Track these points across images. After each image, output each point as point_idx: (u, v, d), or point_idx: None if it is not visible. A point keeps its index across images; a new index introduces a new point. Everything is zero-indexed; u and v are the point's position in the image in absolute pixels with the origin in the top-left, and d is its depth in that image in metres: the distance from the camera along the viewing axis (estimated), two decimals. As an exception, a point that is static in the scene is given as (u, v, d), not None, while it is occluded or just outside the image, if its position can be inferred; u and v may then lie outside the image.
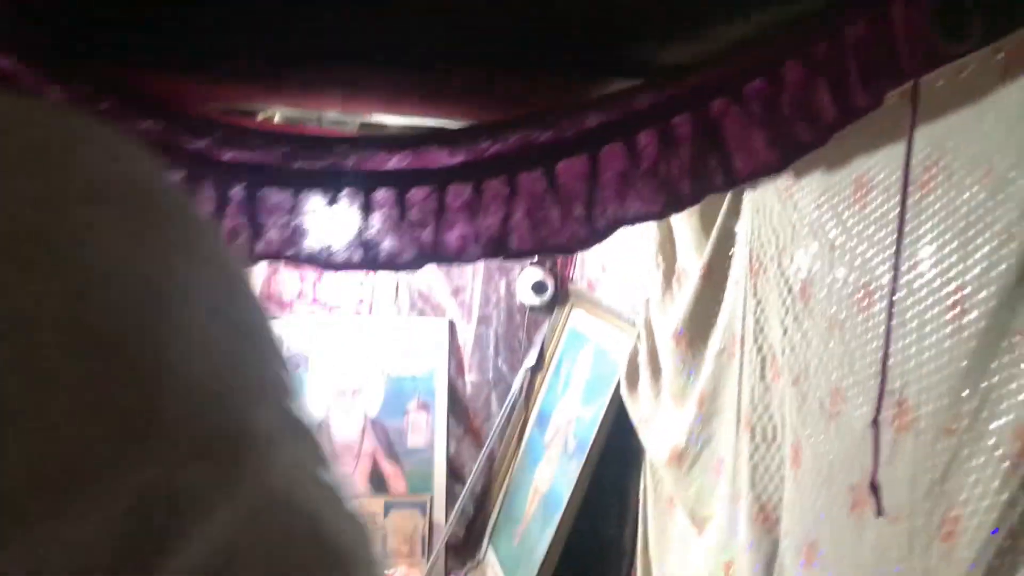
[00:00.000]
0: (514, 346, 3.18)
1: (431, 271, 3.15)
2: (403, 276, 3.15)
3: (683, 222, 1.90)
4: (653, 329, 2.11)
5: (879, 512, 1.17)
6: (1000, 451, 1.03)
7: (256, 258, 1.14)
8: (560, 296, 3.10)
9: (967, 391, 1.08)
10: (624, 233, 1.17)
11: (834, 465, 1.37)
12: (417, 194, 1.15)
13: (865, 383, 1.29)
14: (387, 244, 1.15)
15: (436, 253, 1.15)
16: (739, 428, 1.70)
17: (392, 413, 3.10)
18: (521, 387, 3.08)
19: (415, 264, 1.16)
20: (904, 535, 1.18)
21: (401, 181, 1.15)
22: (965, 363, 1.08)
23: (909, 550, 1.16)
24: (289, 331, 3.06)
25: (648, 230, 2.08)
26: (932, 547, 1.12)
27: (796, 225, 1.49)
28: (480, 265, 3.14)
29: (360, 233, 1.14)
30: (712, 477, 1.84)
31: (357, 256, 1.15)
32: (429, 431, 3.10)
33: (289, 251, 1.13)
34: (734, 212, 1.72)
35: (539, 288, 3.07)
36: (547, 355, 3.07)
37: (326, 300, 3.11)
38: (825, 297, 1.40)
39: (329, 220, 1.14)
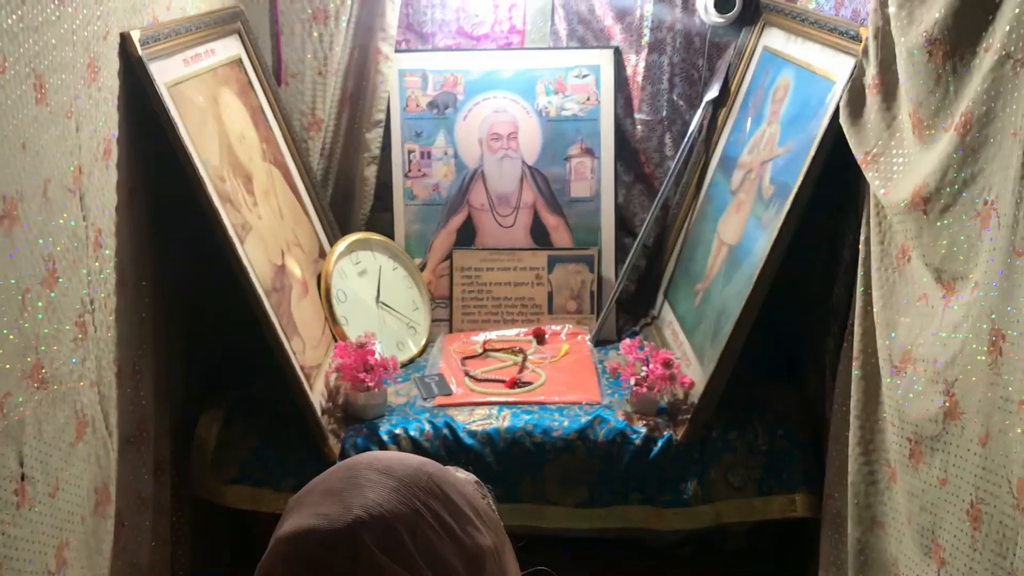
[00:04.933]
0: (692, 77, 2.73)
1: (592, -11, 2.67)
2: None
3: None
4: (893, 37, 1.63)
5: None
6: None
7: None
8: (750, 11, 2.58)
9: None
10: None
11: None
12: None
13: None
14: None
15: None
16: (1028, 160, 1.26)
17: (552, 160, 2.78)
18: (701, 125, 2.66)
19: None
20: None
21: None
22: None
23: None
24: (433, 67, 2.70)
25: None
26: None
27: None
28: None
29: None
30: (974, 225, 1.43)
31: None
32: (594, 179, 2.77)
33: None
34: None
35: (723, 3, 2.55)
36: (732, 86, 2.61)
37: (472, 29, 2.70)
38: None
39: None
